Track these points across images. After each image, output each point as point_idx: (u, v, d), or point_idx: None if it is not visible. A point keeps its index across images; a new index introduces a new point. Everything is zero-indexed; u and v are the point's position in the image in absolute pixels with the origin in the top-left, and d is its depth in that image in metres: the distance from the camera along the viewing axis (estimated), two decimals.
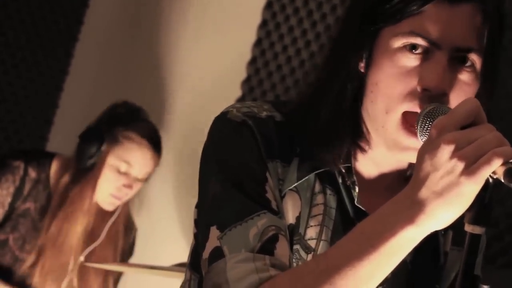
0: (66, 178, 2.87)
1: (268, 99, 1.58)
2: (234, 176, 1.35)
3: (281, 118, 1.40)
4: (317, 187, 1.38)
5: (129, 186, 2.90)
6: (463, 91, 1.30)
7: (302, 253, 1.36)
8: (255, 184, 1.34)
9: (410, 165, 1.41)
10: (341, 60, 1.35)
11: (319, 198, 1.38)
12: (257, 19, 3.38)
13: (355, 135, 1.37)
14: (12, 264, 2.85)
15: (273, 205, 1.34)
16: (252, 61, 3.39)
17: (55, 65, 3.74)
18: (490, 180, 1.10)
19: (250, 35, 3.40)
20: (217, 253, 1.33)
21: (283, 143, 1.38)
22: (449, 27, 1.27)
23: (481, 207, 1.12)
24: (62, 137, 3.74)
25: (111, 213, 2.95)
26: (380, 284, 1.37)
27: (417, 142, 1.27)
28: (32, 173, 2.86)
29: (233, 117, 1.39)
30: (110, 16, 3.85)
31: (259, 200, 1.33)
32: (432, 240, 1.42)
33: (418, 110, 1.27)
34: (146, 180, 2.98)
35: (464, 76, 1.29)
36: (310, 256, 1.36)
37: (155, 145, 2.95)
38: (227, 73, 3.42)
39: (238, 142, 1.37)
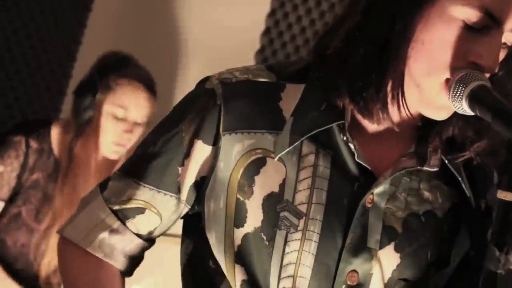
0: (68, 137, 2.87)
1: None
2: (156, 138, 1.43)
3: (270, 79, 1.38)
4: (305, 149, 1.34)
5: (129, 131, 2.87)
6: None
7: (293, 219, 1.32)
8: (167, 160, 1.41)
9: (421, 115, 1.36)
10: (394, 14, 1.27)
11: (307, 161, 1.34)
12: None
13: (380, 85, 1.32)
14: (27, 239, 2.85)
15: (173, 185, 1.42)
16: (266, 32, 3.38)
17: (68, 35, 3.72)
18: None
19: (264, 6, 3.38)
20: (104, 183, 1.48)
21: (265, 109, 1.36)
22: (511, 8, 1.25)
23: None
24: None
25: (118, 162, 2.94)
26: (391, 240, 1.36)
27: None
28: (34, 145, 2.85)
29: (208, 83, 1.40)
30: None
31: (162, 177, 1.41)
32: (456, 189, 1.40)
33: None
34: (146, 124, 2.94)
35: (502, 53, 1.29)
36: (302, 222, 1.32)
37: (149, 87, 2.92)
38: (241, 43, 3.41)
39: (184, 111, 1.41)
